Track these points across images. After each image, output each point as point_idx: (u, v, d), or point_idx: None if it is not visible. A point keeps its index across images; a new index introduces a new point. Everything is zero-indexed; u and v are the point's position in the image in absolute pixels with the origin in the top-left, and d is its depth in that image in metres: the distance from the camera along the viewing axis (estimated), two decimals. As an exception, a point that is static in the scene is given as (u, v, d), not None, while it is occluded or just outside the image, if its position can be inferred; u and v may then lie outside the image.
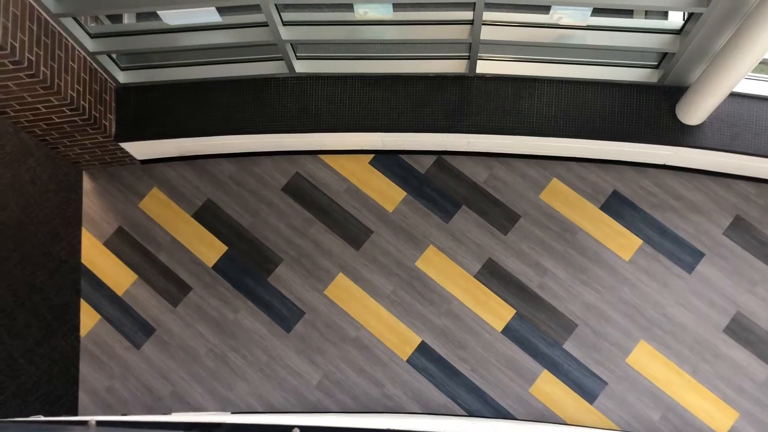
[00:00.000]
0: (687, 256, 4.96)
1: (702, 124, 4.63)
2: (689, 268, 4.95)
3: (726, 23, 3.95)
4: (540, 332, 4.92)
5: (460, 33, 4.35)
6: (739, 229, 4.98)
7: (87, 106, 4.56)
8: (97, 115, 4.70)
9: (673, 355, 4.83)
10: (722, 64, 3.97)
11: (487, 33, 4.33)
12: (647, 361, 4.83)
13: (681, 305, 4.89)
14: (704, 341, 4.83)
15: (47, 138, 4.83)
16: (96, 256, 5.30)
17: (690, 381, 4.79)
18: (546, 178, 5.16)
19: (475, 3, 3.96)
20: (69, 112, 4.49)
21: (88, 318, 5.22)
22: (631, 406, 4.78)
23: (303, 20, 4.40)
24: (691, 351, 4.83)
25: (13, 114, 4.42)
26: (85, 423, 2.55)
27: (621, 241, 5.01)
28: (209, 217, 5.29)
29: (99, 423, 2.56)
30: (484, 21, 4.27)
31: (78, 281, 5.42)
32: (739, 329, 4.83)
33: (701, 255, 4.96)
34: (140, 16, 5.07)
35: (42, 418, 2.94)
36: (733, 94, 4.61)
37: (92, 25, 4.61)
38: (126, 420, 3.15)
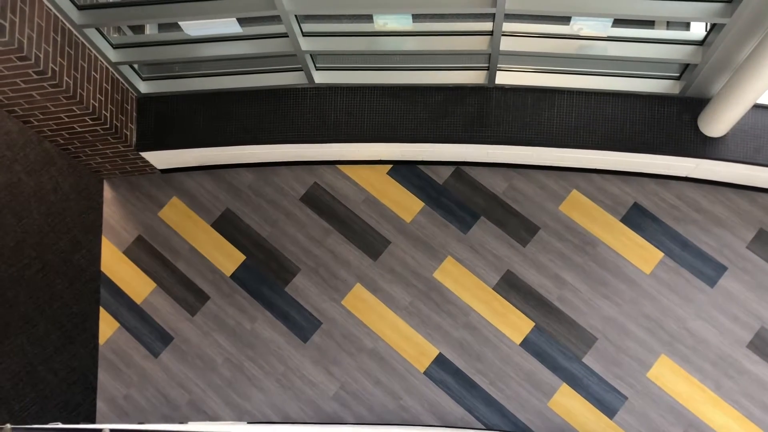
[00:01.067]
0: (709, 269, 4.89)
1: (725, 136, 4.57)
2: (711, 282, 4.87)
3: (750, 34, 3.90)
4: (559, 345, 4.87)
5: (480, 44, 4.35)
6: (763, 242, 4.89)
7: (108, 115, 4.61)
8: (119, 124, 4.75)
9: (695, 370, 4.75)
10: (746, 76, 3.92)
11: (506, 44, 4.32)
12: (669, 375, 4.75)
13: (703, 319, 4.81)
14: (727, 356, 4.75)
15: (69, 147, 4.89)
16: (115, 264, 5.34)
17: (713, 397, 4.70)
18: (566, 190, 5.12)
19: (494, 14, 3.96)
20: (91, 122, 4.53)
21: (107, 326, 5.25)
22: (651, 422, 4.70)
23: (323, 31, 4.42)
24: (714, 366, 4.74)
25: (36, 123, 4.48)
26: (99, 431, 2.56)
27: (642, 254, 4.95)
28: (228, 226, 5.31)
29: (113, 431, 2.56)
30: (504, 32, 4.26)
31: (97, 289, 5.46)
32: (763, 344, 4.74)
33: (724, 269, 4.88)
34: (162, 27, 5.14)
35: (60, 425, 2.96)
36: (756, 106, 4.54)
37: (115, 35, 4.66)
38: (141, 429, 3.15)
